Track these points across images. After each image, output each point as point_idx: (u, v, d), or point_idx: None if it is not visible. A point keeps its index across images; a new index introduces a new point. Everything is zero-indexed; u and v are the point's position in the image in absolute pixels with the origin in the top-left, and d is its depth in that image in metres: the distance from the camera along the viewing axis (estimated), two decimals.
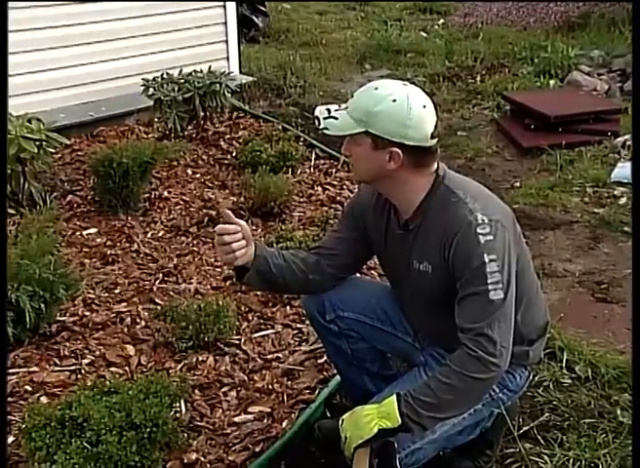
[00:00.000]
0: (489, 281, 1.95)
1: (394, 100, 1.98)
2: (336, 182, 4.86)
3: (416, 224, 2.13)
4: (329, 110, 2.06)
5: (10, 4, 4.66)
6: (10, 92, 4.79)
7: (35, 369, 2.95)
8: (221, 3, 6.38)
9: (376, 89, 2.02)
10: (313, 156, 5.23)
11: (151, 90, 5.18)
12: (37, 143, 3.97)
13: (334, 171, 5.03)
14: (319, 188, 4.77)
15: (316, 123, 2.06)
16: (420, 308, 2.25)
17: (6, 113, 3.51)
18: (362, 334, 2.42)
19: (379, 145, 2.01)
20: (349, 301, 2.38)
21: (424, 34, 9.58)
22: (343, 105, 2.07)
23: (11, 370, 2.88)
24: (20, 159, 4.00)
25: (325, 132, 2.04)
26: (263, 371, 2.96)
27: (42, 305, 3.00)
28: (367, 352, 2.46)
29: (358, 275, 2.59)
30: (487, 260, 1.95)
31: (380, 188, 2.17)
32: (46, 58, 5.37)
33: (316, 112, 2.08)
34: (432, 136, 2.02)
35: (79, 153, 5.17)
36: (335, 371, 2.78)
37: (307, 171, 5.03)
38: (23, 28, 5.08)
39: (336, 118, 2.03)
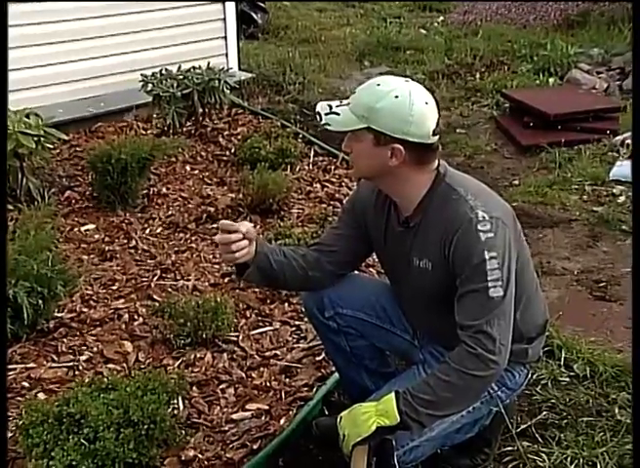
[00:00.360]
0: (489, 278, 1.94)
1: (397, 97, 1.98)
2: (334, 179, 4.85)
3: (416, 221, 2.12)
4: (330, 106, 2.05)
5: None
6: (8, 87, 4.80)
7: (32, 365, 2.95)
8: None
9: (378, 85, 2.02)
10: (312, 153, 5.22)
11: (150, 86, 5.17)
12: (35, 139, 3.96)
13: (332, 168, 5.02)
14: (318, 185, 4.76)
15: (317, 118, 2.05)
16: (420, 306, 2.25)
17: (6, 109, 3.48)
18: (361, 332, 2.41)
19: (380, 141, 2.00)
20: (348, 298, 2.38)
21: (424, 31, 9.57)
22: (345, 101, 2.07)
23: (8, 367, 2.87)
24: (18, 154, 3.99)
25: (327, 127, 2.03)
26: (261, 369, 2.96)
27: (40, 301, 3.00)
28: (365, 349, 2.46)
29: (357, 272, 2.58)
30: (487, 257, 1.94)
31: (380, 185, 2.16)
32: (44, 54, 5.36)
33: (317, 108, 2.07)
34: (434, 133, 2.01)
35: (77, 149, 5.16)
36: (333, 369, 2.77)
37: (306, 168, 5.02)
38: (22, 23, 5.07)
39: (337, 114, 2.02)
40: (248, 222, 2.18)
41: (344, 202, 2.81)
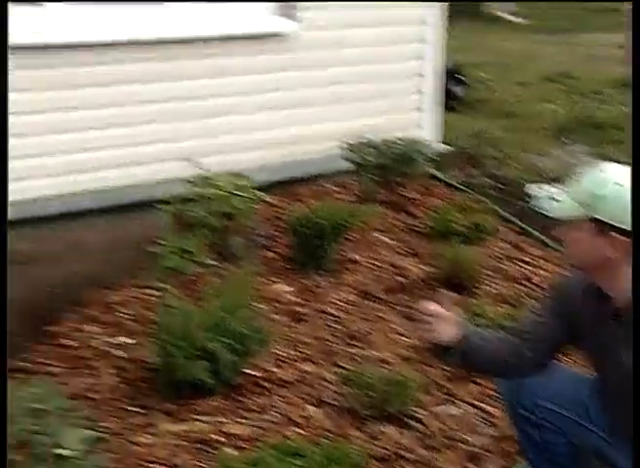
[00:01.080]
0: None
1: (618, 184, 1.92)
2: (529, 259, 4.71)
3: (629, 314, 2.01)
4: (546, 190, 2.02)
5: None
6: (214, 150, 5.11)
7: (223, 419, 3.03)
8: (418, 72, 6.46)
9: (600, 171, 1.97)
10: (506, 230, 5.11)
11: (350, 153, 5.33)
12: (243, 200, 4.16)
13: (528, 247, 4.88)
14: (511, 264, 4.64)
15: (533, 202, 2.03)
16: (626, 404, 2.10)
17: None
18: (557, 426, 2.33)
19: (601, 231, 1.94)
20: (548, 390, 2.30)
21: (627, 109, 9.21)
22: (561, 186, 2.03)
23: (203, 419, 2.99)
24: (227, 214, 4.20)
25: (544, 213, 2.01)
26: (447, 451, 2.89)
27: (235, 358, 3.10)
28: (560, 445, 2.36)
29: (556, 362, 2.47)
30: None
31: (593, 276, 2.08)
32: (251, 121, 5.66)
33: (531, 192, 2.06)
34: None
35: (276, 210, 5.36)
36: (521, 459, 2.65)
37: (499, 245, 4.90)
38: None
39: (556, 199, 1.99)
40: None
41: (549, 287, 2.71)
